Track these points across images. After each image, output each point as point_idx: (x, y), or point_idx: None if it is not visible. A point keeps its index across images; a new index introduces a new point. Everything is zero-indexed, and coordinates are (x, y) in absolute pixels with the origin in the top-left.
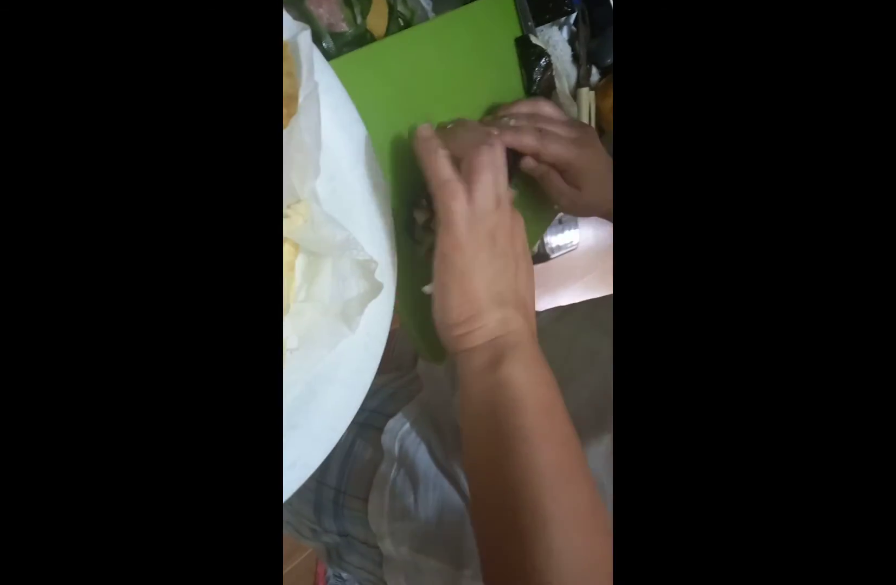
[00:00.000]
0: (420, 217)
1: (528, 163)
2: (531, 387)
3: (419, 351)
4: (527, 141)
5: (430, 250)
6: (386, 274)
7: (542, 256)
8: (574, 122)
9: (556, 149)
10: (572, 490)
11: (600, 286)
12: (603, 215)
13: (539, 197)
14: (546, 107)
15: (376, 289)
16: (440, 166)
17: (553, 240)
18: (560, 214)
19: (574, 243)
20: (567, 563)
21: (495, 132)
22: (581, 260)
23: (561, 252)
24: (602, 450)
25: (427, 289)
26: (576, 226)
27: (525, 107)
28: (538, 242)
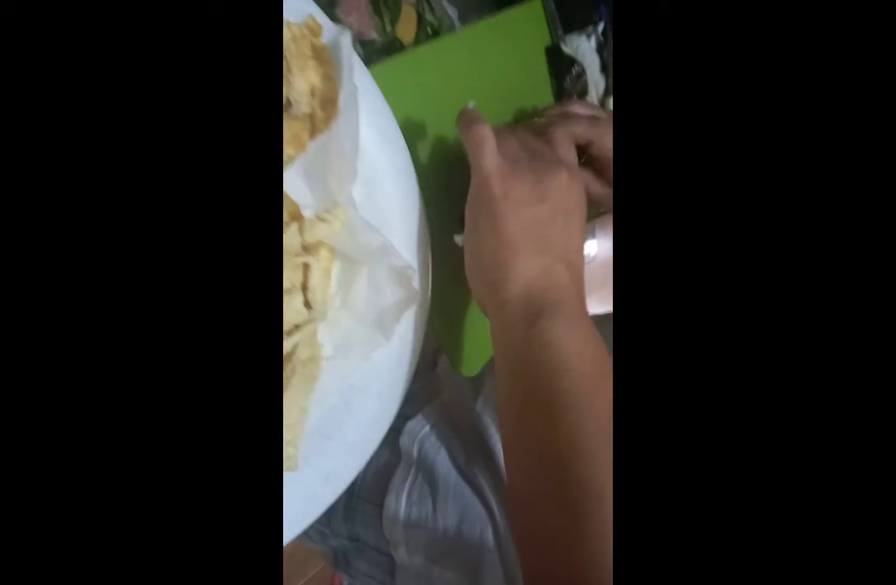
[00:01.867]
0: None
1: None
2: (576, 346)
3: (454, 365)
4: (579, 129)
5: None
6: (421, 282)
7: None
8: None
9: (607, 138)
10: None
11: None
12: None
13: None
14: (577, 106)
15: (413, 296)
16: (477, 130)
17: None
18: None
19: (591, 255)
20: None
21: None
22: (598, 271)
23: None
24: None
25: (458, 238)
26: (592, 236)
27: (556, 109)
28: None
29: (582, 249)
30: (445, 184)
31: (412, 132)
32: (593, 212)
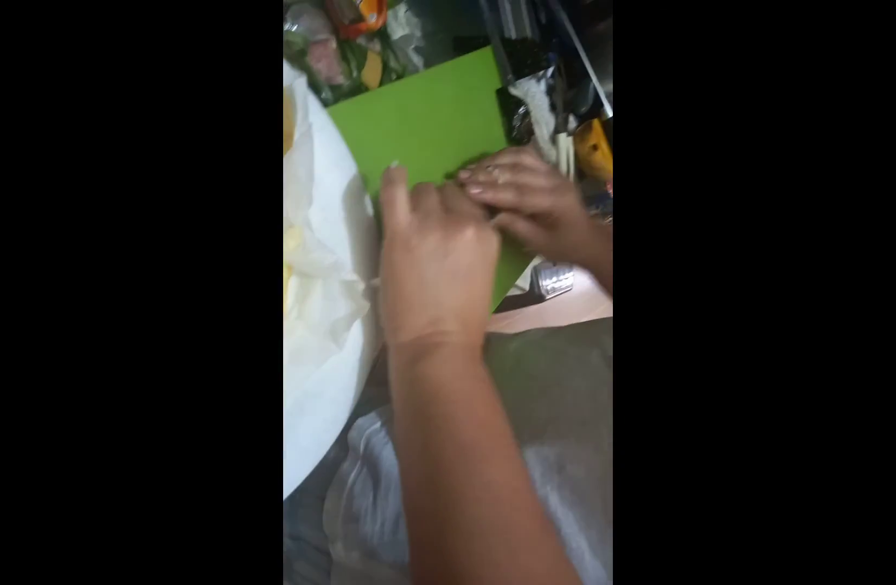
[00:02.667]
0: None
1: (500, 220)
2: (447, 381)
3: None
4: (505, 197)
5: None
6: (373, 296)
7: (537, 298)
8: (553, 171)
9: (534, 201)
10: (488, 470)
11: None
12: (577, 262)
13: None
14: (527, 158)
15: (362, 308)
16: (391, 190)
17: (548, 282)
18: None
19: (569, 285)
20: (483, 542)
21: (475, 190)
22: (577, 301)
23: (556, 293)
24: (586, 453)
25: (374, 281)
26: (570, 268)
27: (507, 158)
28: (528, 281)
29: (484, 303)
30: None
31: (369, 164)
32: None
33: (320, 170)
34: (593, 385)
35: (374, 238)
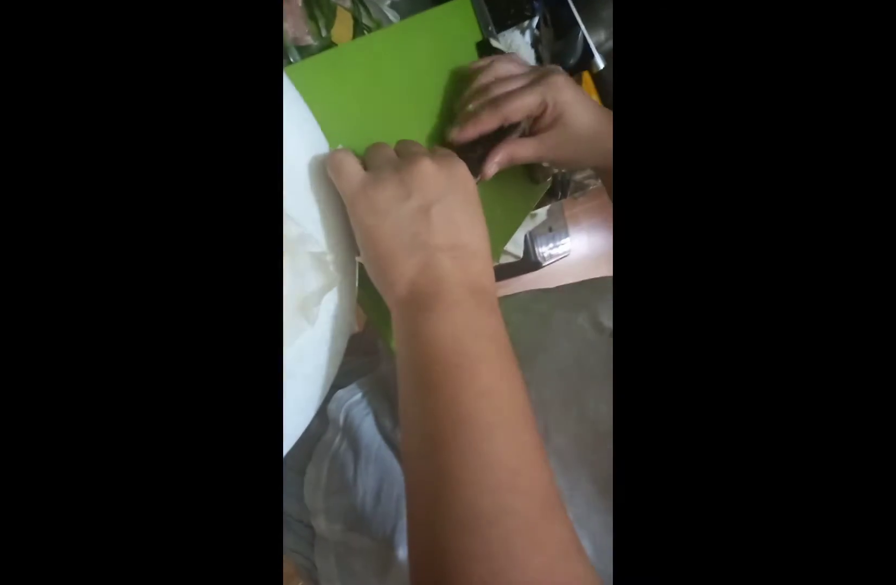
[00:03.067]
0: None
1: (493, 160)
2: (448, 341)
3: (384, 341)
4: (485, 119)
5: None
6: (347, 269)
7: (533, 264)
8: (535, 68)
9: (517, 104)
10: (488, 448)
11: None
12: (598, 163)
13: (507, 191)
14: (501, 68)
15: (332, 281)
16: (334, 155)
17: (544, 248)
18: (550, 223)
19: (566, 251)
20: (476, 534)
21: (456, 136)
22: (574, 268)
23: (553, 260)
24: (570, 422)
25: (358, 258)
26: (566, 234)
27: (484, 79)
28: (522, 248)
29: (474, 231)
30: None
31: (337, 127)
32: (544, 175)
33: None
34: (579, 350)
35: (341, 208)
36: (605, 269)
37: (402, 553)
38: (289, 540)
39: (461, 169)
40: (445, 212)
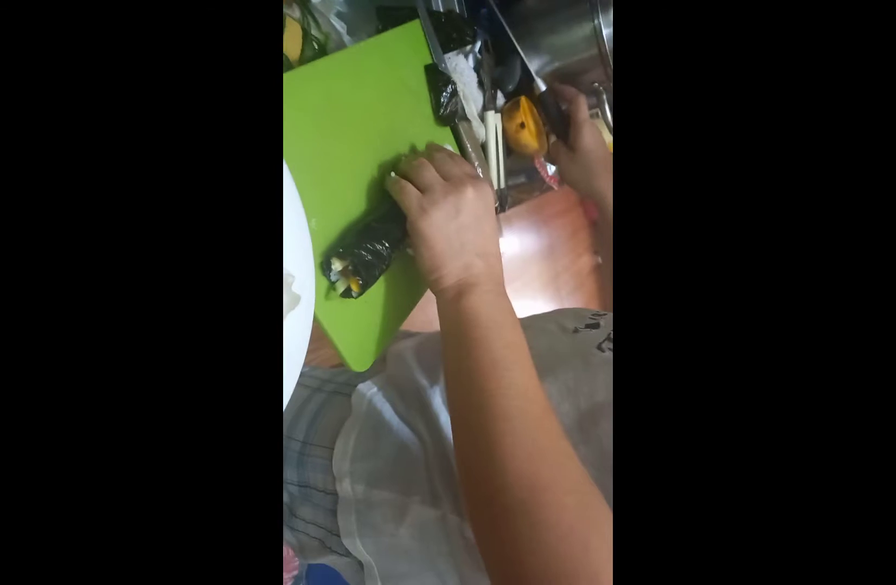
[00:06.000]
0: (337, 265)
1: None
2: (481, 312)
3: (341, 358)
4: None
5: (347, 291)
6: (306, 286)
7: None
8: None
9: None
10: (511, 375)
11: (527, 292)
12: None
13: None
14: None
15: (293, 301)
16: (394, 183)
17: None
18: None
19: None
20: (507, 422)
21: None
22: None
23: None
24: (546, 386)
25: (409, 250)
26: (501, 234)
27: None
28: None
29: (495, 241)
30: (333, 196)
31: (296, 149)
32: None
33: None
34: (552, 344)
35: (303, 230)
36: (536, 268)
37: (417, 498)
38: (306, 513)
39: (490, 193)
40: (480, 228)
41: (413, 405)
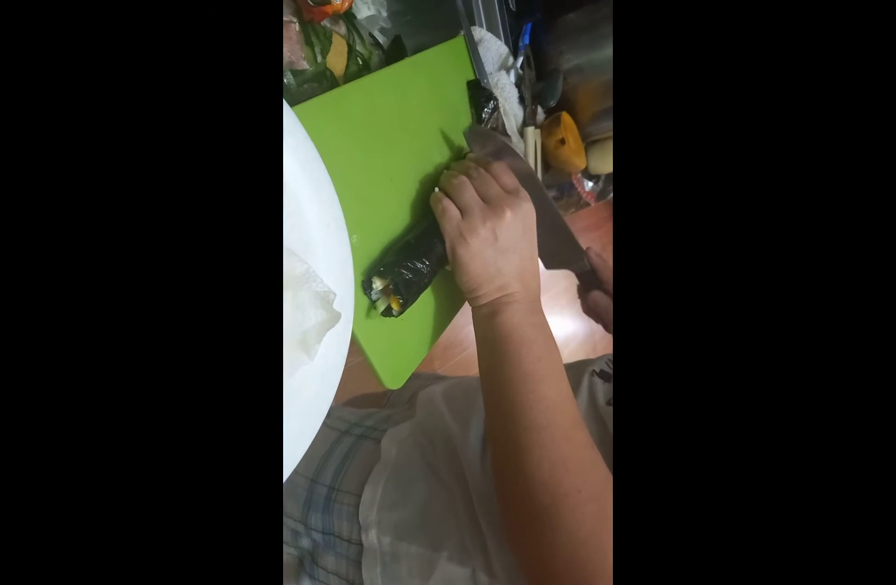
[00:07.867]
0: (378, 284)
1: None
2: (515, 329)
3: (376, 377)
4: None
5: (388, 310)
6: (345, 303)
7: None
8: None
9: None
10: (541, 388)
11: (554, 306)
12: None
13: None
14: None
15: (334, 318)
16: (437, 202)
17: None
18: None
19: None
20: (535, 433)
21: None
22: None
23: None
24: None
25: (448, 267)
26: None
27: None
28: None
29: (534, 259)
30: (374, 212)
31: (340, 163)
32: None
33: (287, 173)
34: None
35: (344, 244)
36: (565, 283)
37: (446, 554)
38: (328, 562)
39: (531, 214)
40: (518, 251)
41: (442, 454)
